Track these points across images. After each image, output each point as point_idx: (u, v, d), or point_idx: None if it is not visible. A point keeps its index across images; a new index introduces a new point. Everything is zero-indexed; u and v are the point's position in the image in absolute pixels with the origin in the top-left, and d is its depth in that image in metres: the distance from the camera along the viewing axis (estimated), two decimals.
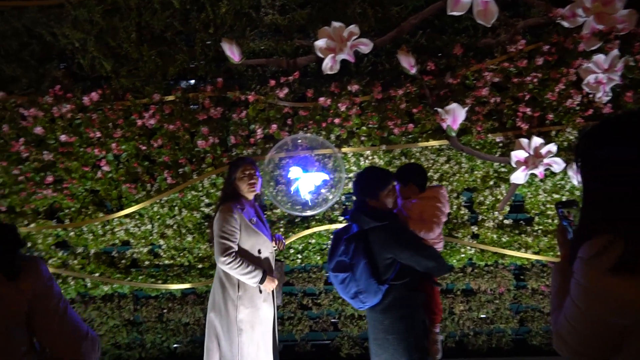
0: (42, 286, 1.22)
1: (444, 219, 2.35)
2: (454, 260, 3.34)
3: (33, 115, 3.07)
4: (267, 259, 2.48)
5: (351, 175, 3.25)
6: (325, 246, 3.40)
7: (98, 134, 3.12)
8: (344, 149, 3.21)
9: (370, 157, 3.25)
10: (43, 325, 1.23)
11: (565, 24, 2.89)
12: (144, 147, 3.16)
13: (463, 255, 3.33)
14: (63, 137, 3.09)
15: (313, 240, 3.37)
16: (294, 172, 3.16)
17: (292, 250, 3.38)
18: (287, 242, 3.29)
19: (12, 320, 1.19)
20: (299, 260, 3.40)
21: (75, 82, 3.15)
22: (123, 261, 3.38)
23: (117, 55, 3.12)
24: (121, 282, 3.32)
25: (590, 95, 3.00)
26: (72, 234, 3.29)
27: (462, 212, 3.32)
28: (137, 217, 3.31)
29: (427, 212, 2.27)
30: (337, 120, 3.14)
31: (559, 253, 1.29)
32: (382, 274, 2.00)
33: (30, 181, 3.16)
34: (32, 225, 3.24)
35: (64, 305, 1.27)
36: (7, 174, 3.15)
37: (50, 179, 3.14)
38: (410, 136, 3.21)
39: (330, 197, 3.28)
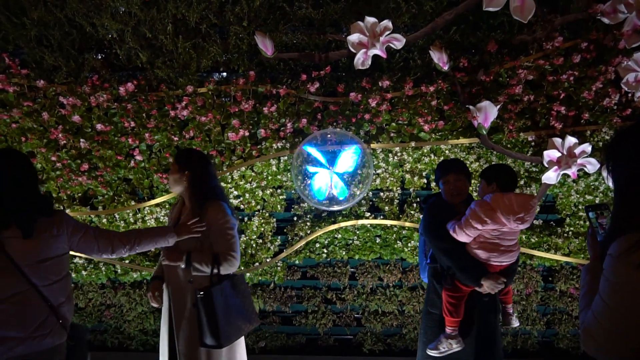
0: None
1: (485, 228, 2.05)
2: None
3: (72, 104, 3.10)
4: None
5: (379, 171, 3.23)
6: (350, 242, 3.38)
7: (132, 124, 3.12)
8: (373, 145, 3.17)
9: (399, 154, 3.22)
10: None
11: (606, 20, 2.79)
12: (175, 138, 3.15)
13: None
14: (99, 126, 3.08)
15: (339, 235, 3.37)
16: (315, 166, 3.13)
17: (317, 245, 3.39)
18: (313, 236, 3.27)
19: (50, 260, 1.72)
20: (324, 255, 3.40)
21: (112, 72, 3.13)
22: (152, 250, 3.37)
23: (152, 47, 3.09)
24: (150, 270, 3.33)
25: (629, 95, 2.92)
26: (104, 220, 3.31)
27: None
28: (167, 206, 3.32)
29: (469, 213, 2.11)
30: (367, 116, 3.10)
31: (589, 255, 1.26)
32: (427, 252, 2.28)
33: (66, 168, 3.19)
34: (68, 210, 3.29)
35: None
36: (46, 160, 3.20)
37: (85, 166, 3.16)
38: (440, 133, 3.16)
39: (358, 192, 3.25)
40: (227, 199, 2.23)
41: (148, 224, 3.32)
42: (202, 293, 1.98)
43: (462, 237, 2.10)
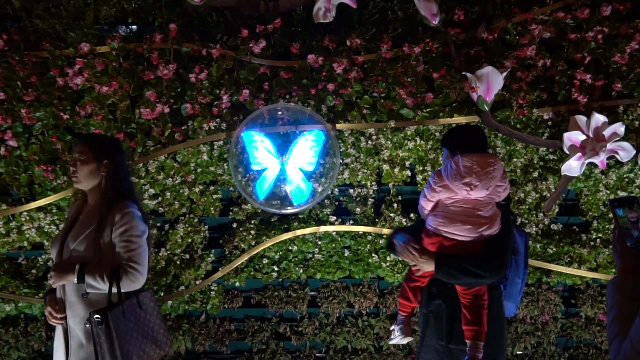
0: None
1: (440, 197, 2.27)
2: None
3: None
4: None
5: (348, 160, 3.24)
6: (310, 256, 3.39)
7: (1, 95, 3.00)
8: (339, 126, 3.17)
9: (374, 137, 3.22)
10: None
11: None
12: (66, 116, 3.06)
13: None
14: None
15: (294, 248, 3.36)
16: (261, 155, 3.16)
17: (265, 261, 3.37)
18: (260, 248, 3.30)
19: None
20: (274, 274, 3.38)
21: None
22: (33, 271, 3.29)
23: None
24: (30, 300, 3.23)
25: None
26: None
27: None
28: (54, 210, 3.22)
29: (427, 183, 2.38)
30: (331, 86, 3.09)
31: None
32: None
33: None
34: None
35: None
36: None
37: None
38: (428, 110, 3.16)
39: (320, 189, 3.25)
40: (138, 200, 2.38)
41: (26, 235, 3.22)
42: (97, 316, 2.06)
43: (421, 209, 2.40)
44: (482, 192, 2.15)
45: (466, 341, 2.19)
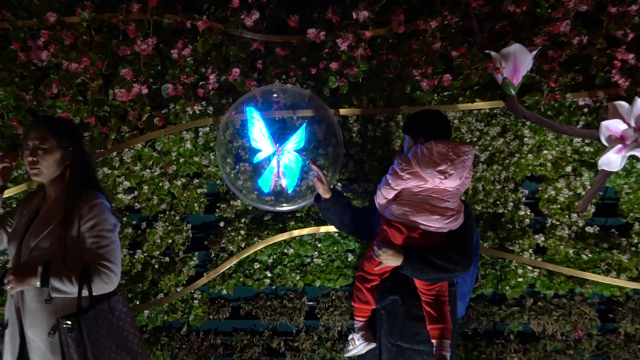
0: None
1: (406, 186, 2.38)
2: (507, 288, 3.36)
3: None
4: None
5: (351, 150, 3.26)
6: (308, 260, 3.42)
7: None
8: (343, 111, 3.19)
9: (383, 124, 3.23)
10: None
11: None
12: (28, 97, 3.08)
13: (521, 280, 3.32)
14: None
15: (290, 251, 3.38)
16: (261, 143, 3.11)
17: (257, 265, 3.38)
18: (251, 251, 3.32)
19: None
20: (267, 281, 3.38)
21: None
22: None
23: None
24: None
25: None
26: None
27: (521, 212, 3.30)
28: (14, 205, 3.20)
29: (390, 170, 2.46)
30: (334, 65, 3.08)
31: None
32: None
33: None
34: None
35: None
36: None
37: None
38: (445, 93, 3.18)
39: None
40: (105, 191, 2.41)
41: None
42: (68, 323, 2.04)
43: (380, 198, 2.48)
44: (454, 182, 2.27)
45: (432, 341, 2.33)
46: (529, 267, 3.29)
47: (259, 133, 3.06)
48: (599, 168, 3.05)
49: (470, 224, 2.41)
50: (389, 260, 2.31)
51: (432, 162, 2.26)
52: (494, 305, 3.40)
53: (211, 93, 3.11)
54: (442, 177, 2.25)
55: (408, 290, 2.39)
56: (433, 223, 2.31)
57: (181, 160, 3.22)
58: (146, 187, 3.23)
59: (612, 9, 2.93)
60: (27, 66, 3.03)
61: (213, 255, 3.35)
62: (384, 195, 2.44)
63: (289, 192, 3.15)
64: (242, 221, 3.31)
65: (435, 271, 2.27)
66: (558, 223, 3.30)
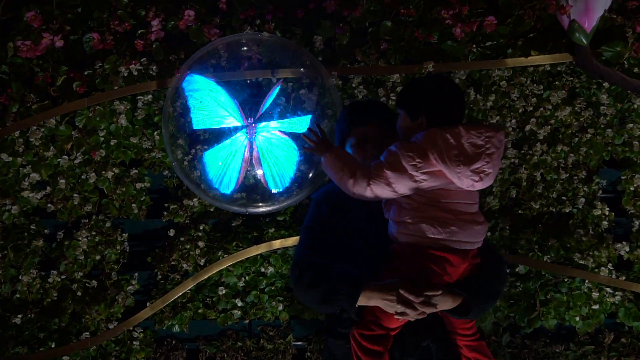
0: None
1: (417, 185, 2.16)
2: (576, 319, 3.26)
3: None
4: None
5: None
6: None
7: None
8: (343, 70, 3.17)
9: (398, 87, 3.15)
10: None
11: None
12: None
13: (596, 308, 3.24)
14: None
15: (269, 270, 3.29)
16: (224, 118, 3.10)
17: (222, 291, 3.28)
18: (213, 271, 3.25)
19: None
20: (237, 313, 3.29)
21: None
22: None
23: None
24: None
25: None
26: None
27: (596, 212, 3.24)
28: None
29: (386, 155, 2.23)
30: (329, 5, 3.06)
31: None
32: None
33: None
34: None
35: None
36: None
37: None
38: (488, 43, 3.16)
39: (310, 174, 3.19)
40: None
41: None
42: None
43: (365, 190, 2.21)
44: (489, 182, 2.15)
45: None
46: (608, 290, 3.22)
47: (216, 109, 3.07)
48: None
49: None
50: (442, 307, 2.14)
51: (464, 156, 2.07)
52: (559, 343, 3.35)
53: (154, 46, 3.06)
54: (477, 178, 2.09)
55: (439, 332, 2.27)
56: (467, 237, 2.17)
57: (113, 142, 3.15)
58: (63, 181, 3.13)
59: None
60: None
61: (160, 277, 3.27)
62: (373, 189, 2.19)
63: (273, 191, 3.15)
64: (201, 228, 3.23)
65: (497, 299, 2.27)
66: None
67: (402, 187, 2.17)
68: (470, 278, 2.20)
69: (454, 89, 2.33)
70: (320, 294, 2.23)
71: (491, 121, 3.23)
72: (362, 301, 2.14)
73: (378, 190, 2.17)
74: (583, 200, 3.23)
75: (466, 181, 2.09)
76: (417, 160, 2.11)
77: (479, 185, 2.12)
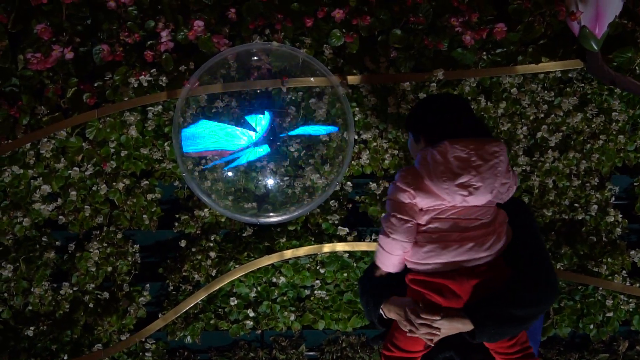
0: None
1: (425, 206, 2.18)
2: (590, 327, 3.30)
3: None
4: None
5: (367, 136, 3.22)
6: (307, 292, 3.41)
7: None
8: (352, 78, 3.15)
9: (410, 96, 3.14)
10: None
11: None
12: None
13: (610, 315, 3.28)
14: None
15: (281, 280, 3.30)
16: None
17: (234, 302, 3.30)
18: (224, 282, 3.27)
19: None
20: (249, 323, 3.30)
21: None
22: None
23: None
24: None
25: None
26: None
27: (609, 218, 3.26)
28: None
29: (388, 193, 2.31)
30: (338, 14, 3.03)
31: None
32: None
33: None
34: None
35: None
36: None
37: None
38: (498, 50, 3.16)
39: (322, 182, 3.19)
40: None
41: None
42: None
43: (391, 245, 2.21)
44: (483, 197, 2.11)
45: None
46: (622, 297, 3.24)
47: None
48: None
49: (529, 223, 2.30)
50: (450, 331, 2.13)
51: (449, 172, 2.08)
52: (573, 352, 3.37)
53: (164, 57, 3.03)
54: (465, 192, 2.08)
55: (463, 342, 2.20)
56: (467, 256, 2.14)
57: (123, 153, 3.15)
58: (74, 192, 3.12)
59: None
60: None
61: (172, 288, 3.29)
62: (394, 237, 2.16)
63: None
64: (212, 239, 3.25)
65: (521, 324, 2.13)
66: None
67: (403, 221, 2.16)
68: (481, 301, 2.17)
69: (450, 105, 2.32)
70: (362, 304, 2.40)
71: (502, 128, 3.18)
72: (384, 311, 2.22)
73: (399, 236, 2.16)
74: (596, 207, 3.24)
75: (456, 197, 2.11)
76: (410, 178, 2.13)
77: (473, 200, 2.12)
